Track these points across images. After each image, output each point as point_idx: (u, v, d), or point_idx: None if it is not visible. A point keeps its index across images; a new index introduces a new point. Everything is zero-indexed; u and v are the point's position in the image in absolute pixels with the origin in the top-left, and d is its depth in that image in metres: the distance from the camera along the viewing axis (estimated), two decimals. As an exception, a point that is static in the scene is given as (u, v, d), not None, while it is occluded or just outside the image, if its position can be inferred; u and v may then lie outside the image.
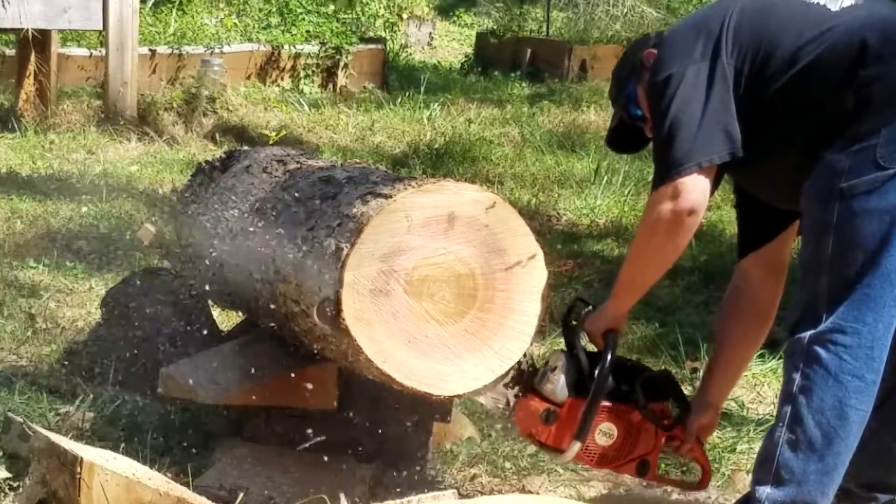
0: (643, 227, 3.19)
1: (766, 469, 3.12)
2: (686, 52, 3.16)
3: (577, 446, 3.28)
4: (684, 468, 3.92)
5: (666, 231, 3.12)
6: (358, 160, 5.64)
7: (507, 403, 3.40)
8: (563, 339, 3.42)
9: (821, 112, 3.08)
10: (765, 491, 3.12)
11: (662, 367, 3.75)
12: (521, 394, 3.38)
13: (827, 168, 3.07)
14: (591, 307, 3.38)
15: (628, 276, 3.31)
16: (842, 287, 3.05)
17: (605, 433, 3.33)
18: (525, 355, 3.37)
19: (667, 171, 3.09)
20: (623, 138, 3.54)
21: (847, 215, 3.03)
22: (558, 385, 3.32)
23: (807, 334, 3.08)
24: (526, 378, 3.38)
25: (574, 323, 3.39)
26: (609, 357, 3.27)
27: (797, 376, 3.08)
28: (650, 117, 3.24)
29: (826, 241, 3.07)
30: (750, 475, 3.28)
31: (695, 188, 3.08)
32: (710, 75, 3.12)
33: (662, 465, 4.00)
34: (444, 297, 3.22)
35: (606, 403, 3.30)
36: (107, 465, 3.04)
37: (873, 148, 3.01)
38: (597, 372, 3.27)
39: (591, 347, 3.39)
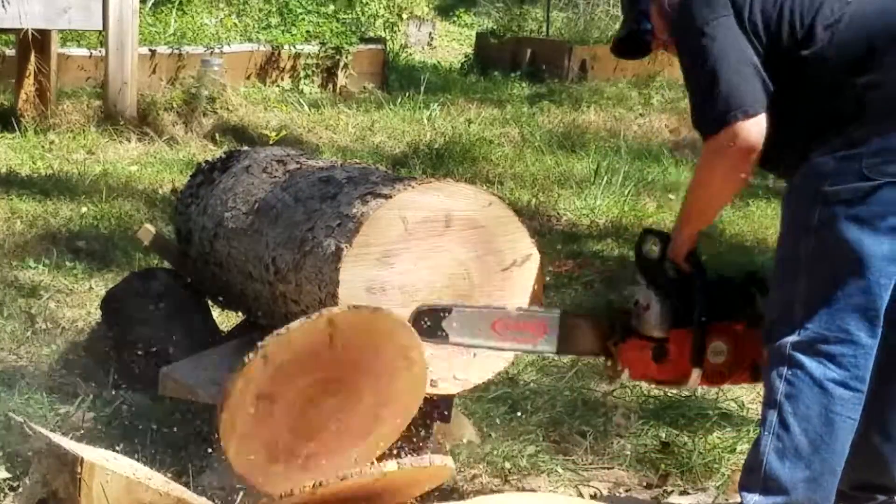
0: (704, 172, 3.19)
1: (755, 477, 3.13)
2: (713, 5, 3.14)
3: (697, 373, 3.31)
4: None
5: (726, 171, 3.13)
6: (358, 160, 5.64)
7: (608, 356, 3.41)
8: (639, 277, 3.40)
9: (818, 104, 3.09)
10: (753, 499, 3.12)
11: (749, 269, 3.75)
12: (621, 340, 3.38)
13: (813, 168, 3.08)
14: (660, 238, 3.38)
15: (696, 210, 3.31)
16: (821, 293, 3.06)
17: (717, 352, 3.35)
18: (610, 300, 3.38)
19: (718, 118, 3.07)
20: (629, 47, 3.53)
21: (829, 220, 3.04)
22: (658, 320, 3.33)
23: (788, 341, 3.09)
24: (620, 323, 3.39)
25: (651, 255, 3.38)
26: (700, 278, 3.31)
27: (781, 384, 3.09)
28: (683, 66, 3.22)
29: (807, 243, 3.08)
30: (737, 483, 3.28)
31: (746, 135, 3.06)
32: (739, 29, 3.11)
33: (662, 466, 4.01)
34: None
35: (710, 323, 3.32)
36: (107, 465, 3.04)
37: (860, 157, 3.02)
38: (696, 296, 3.29)
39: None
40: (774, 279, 3.20)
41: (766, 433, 3.11)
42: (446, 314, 3.26)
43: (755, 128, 3.06)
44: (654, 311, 3.33)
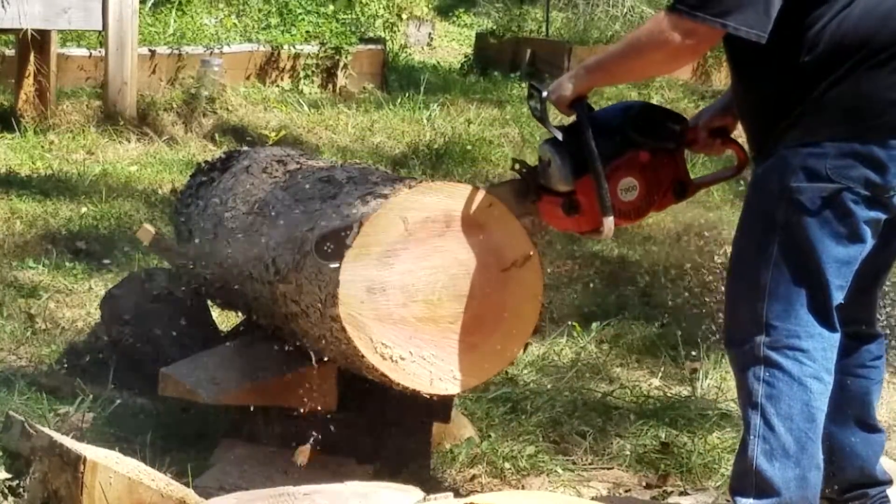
0: (647, 39, 3.11)
1: (746, 481, 3.13)
2: None
3: (609, 220, 3.24)
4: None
5: (666, 55, 3.09)
6: (358, 161, 5.64)
7: (530, 215, 3.38)
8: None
9: (783, 82, 3.07)
10: (747, 503, 3.13)
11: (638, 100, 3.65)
12: (536, 198, 3.35)
13: (781, 162, 3.08)
14: (546, 89, 3.31)
15: (610, 69, 3.25)
16: (784, 291, 3.07)
17: (627, 189, 3.29)
18: (516, 162, 3.36)
19: (702, 8, 3.00)
20: None
21: (793, 219, 3.05)
22: (559, 174, 3.28)
23: (759, 342, 3.09)
24: (532, 181, 3.36)
25: (535, 112, 3.32)
26: (586, 122, 3.23)
27: (760, 386, 3.10)
28: None
29: (772, 239, 3.08)
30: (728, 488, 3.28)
31: (705, 40, 3.04)
32: None
33: (662, 466, 4.02)
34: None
35: (611, 163, 3.25)
36: (110, 464, 3.04)
37: (825, 158, 3.02)
38: (583, 143, 3.22)
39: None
40: (733, 271, 3.20)
41: (751, 436, 3.12)
42: (348, 231, 3.19)
43: (710, 39, 3.03)
44: (554, 165, 3.28)
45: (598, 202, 3.22)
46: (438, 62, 14.43)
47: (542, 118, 3.30)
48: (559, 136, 3.28)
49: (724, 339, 3.28)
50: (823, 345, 3.09)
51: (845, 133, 3.02)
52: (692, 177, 3.44)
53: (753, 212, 3.16)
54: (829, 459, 3.17)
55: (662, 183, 3.34)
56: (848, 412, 3.32)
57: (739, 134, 3.41)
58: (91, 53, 10.40)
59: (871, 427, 3.39)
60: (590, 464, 4.05)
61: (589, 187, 3.24)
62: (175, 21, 11.52)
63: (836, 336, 3.12)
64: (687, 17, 3.01)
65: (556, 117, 3.35)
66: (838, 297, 3.10)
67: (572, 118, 3.31)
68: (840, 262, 3.07)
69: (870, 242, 3.10)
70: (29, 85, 9.40)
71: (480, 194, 3.27)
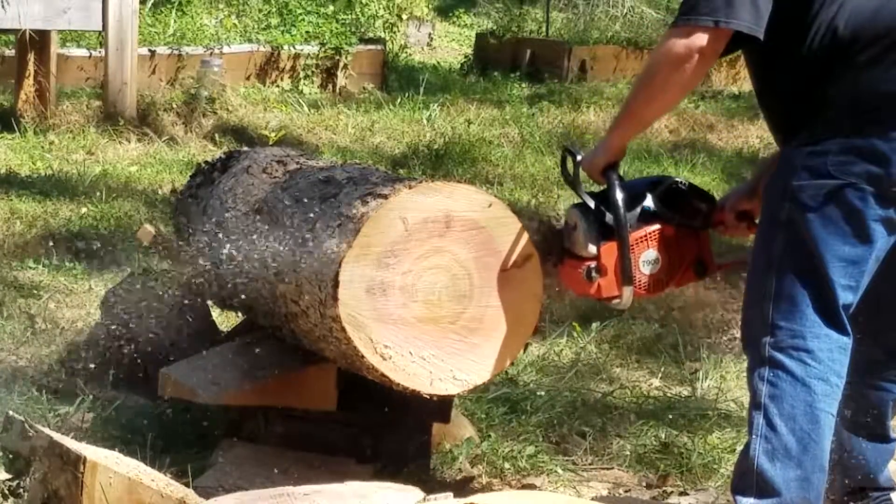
0: (652, 61, 3.16)
1: (747, 480, 3.13)
2: None
3: (629, 290, 3.25)
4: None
5: (674, 67, 3.09)
6: (358, 161, 5.64)
7: (549, 276, 3.38)
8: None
9: (792, 84, 3.09)
10: (748, 502, 3.13)
11: (667, 174, 3.62)
12: (558, 261, 3.35)
13: (784, 163, 3.10)
14: (580, 153, 3.33)
15: (631, 110, 3.26)
16: (789, 290, 3.07)
17: (649, 262, 3.29)
18: (541, 222, 3.38)
19: (691, 12, 3.04)
20: None
21: (796, 217, 3.06)
22: (584, 240, 3.28)
23: (765, 342, 3.09)
24: (555, 244, 3.36)
25: (569, 175, 3.34)
26: (617, 192, 3.24)
27: (764, 386, 3.10)
28: None
29: (777, 239, 3.09)
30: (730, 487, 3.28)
31: (707, 44, 3.04)
32: None
33: (662, 466, 4.02)
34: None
35: (636, 234, 3.26)
36: (110, 465, 3.04)
37: (827, 155, 3.02)
38: (611, 211, 3.23)
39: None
40: (748, 273, 3.21)
41: (754, 436, 3.12)
42: None
43: (712, 43, 3.04)
44: (580, 230, 3.29)
45: (619, 271, 3.24)
46: (438, 62, 14.43)
47: (574, 183, 3.33)
48: (591, 202, 3.29)
49: (741, 340, 3.29)
50: (830, 346, 3.07)
51: (846, 129, 3.02)
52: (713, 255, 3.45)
53: (763, 214, 3.18)
54: (835, 462, 3.16)
55: (684, 259, 3.35)
56: (860, 420, 3.31)
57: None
58: (91, 54, 10.41)
59: (882, 437, 3.39)
60: (590, 464, 4.05)
61: (612, 255, 3.25)
62: (175, 21, 11.52)
63: (846, 339, 3.09)
64: (682, 24, 3.06)
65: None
66: (846, 298, 3.07)
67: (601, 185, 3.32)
68: (846, 261, 3.05)
69: (882, 242, 3.07)
70: (29, 85, 9.40)
71: (482, 194, 3.26)
